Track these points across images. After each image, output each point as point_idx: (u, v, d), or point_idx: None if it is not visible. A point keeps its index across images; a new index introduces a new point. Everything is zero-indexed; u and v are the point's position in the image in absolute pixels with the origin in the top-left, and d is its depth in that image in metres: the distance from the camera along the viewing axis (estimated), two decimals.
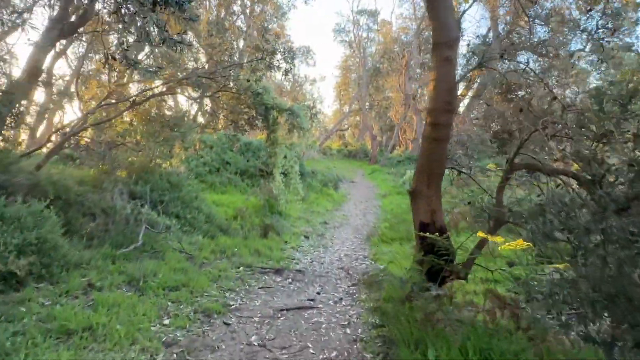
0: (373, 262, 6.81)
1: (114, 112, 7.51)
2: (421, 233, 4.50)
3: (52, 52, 9.63)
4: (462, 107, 30.54)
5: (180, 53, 5.44)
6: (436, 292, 3.88)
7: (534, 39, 27.18)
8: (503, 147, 4.51)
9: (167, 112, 8.70)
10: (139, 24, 4.18)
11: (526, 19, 25.60)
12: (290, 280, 5.62)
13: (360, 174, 24.43)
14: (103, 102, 7.10)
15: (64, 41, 10.17)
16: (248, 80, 7.36)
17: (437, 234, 4.46)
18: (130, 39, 4.48)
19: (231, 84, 7.65)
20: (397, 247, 7.60)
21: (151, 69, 4.76)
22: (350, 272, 6.23)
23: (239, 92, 7.56)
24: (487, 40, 29.68)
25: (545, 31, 26.63)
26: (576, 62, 25.48)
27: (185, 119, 8.72)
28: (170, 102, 11.45)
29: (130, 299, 4.05)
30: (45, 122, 12.89)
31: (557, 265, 2.85)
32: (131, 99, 7.37)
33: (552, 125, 4.04)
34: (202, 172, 11.74)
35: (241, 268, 5.82)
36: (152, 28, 4.19)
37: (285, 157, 8.15)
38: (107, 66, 5.75)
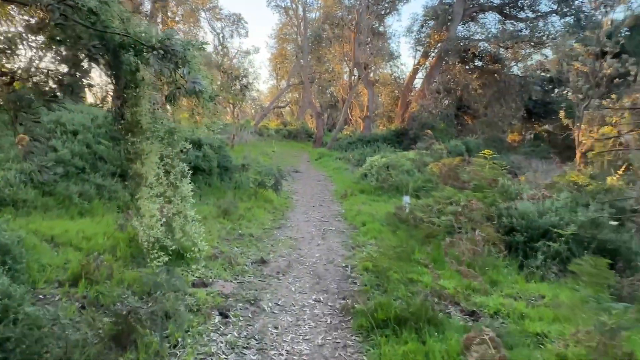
0: None
1: None
2: None
3: None
4: (419, 79, 27.33)
5: None
6: None
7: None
8: None
9: None
10: None
11: None
12: None
13: (305, 160, 20.34)
14: None
15: None
16: None
17: None
18: None
19: None
20: (417, 345, 3.63)
21: None
22: None
23: (37, 2, 2.98)
24: None
25: None
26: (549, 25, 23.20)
27: None
28: None
29: None
30: None
31: None
32: None
33: None
34: (50, 178, 6.85)
35: None
36: None
37: (161, 159, 3.71)
38: None
